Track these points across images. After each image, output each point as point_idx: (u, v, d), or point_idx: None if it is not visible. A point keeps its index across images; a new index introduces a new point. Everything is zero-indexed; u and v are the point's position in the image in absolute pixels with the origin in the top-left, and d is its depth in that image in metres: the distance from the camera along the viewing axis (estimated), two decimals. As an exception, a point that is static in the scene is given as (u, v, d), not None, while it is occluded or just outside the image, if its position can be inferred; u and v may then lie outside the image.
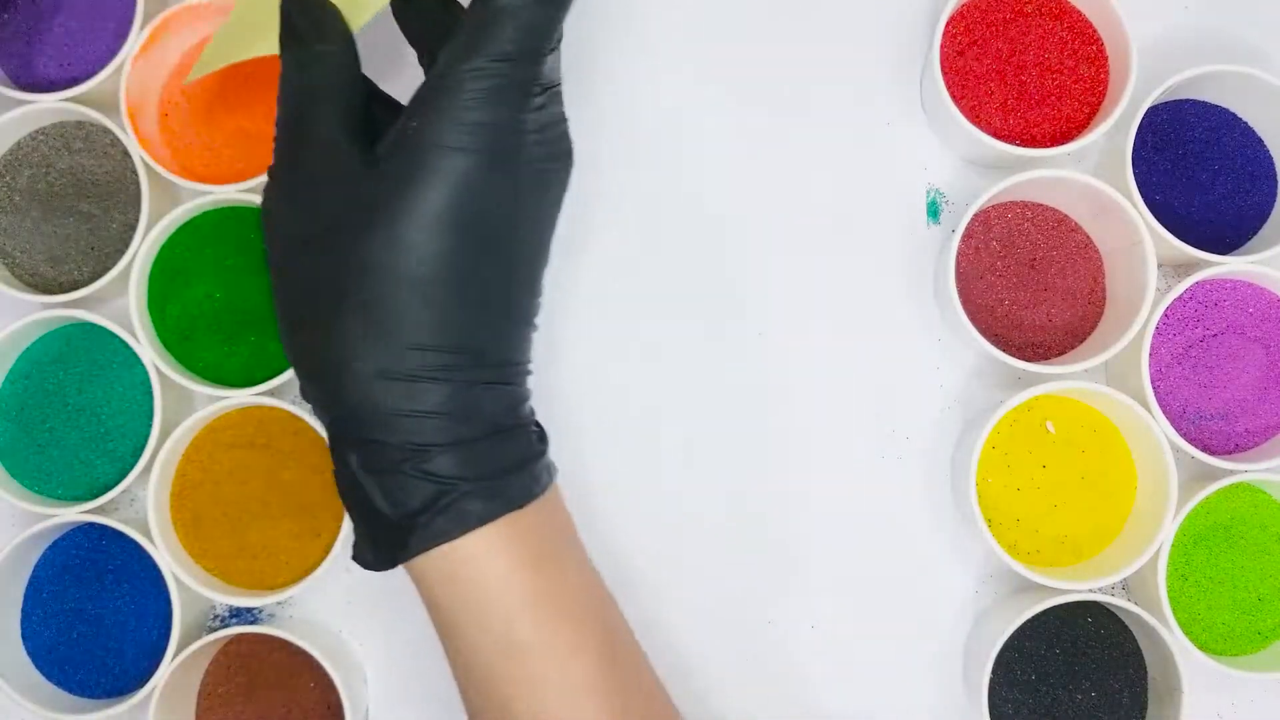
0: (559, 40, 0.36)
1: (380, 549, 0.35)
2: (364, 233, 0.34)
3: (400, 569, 0.36)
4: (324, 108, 0.35)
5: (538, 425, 0.38)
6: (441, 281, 0.34)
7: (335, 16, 0.36)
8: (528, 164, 0.35)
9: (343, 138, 0.35)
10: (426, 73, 0.36)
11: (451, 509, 0.34)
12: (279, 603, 0.48)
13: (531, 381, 0.38)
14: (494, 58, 0.34)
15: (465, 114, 0.34)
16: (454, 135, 0.33)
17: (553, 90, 0.36)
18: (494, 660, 0.35)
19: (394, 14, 0.39)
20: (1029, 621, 0.44)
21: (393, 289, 0.33)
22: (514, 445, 0.36)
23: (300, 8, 0.36)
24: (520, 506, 0.35)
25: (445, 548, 0.35)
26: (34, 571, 0.47)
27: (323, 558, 0.45)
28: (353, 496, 0.35)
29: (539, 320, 0.38)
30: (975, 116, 0.46)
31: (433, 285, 0.34)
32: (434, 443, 0.34)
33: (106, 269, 0.46)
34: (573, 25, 0.49)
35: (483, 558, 0.35)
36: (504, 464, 0.35)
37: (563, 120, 0.37)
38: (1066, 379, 0.45)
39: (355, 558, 0.36)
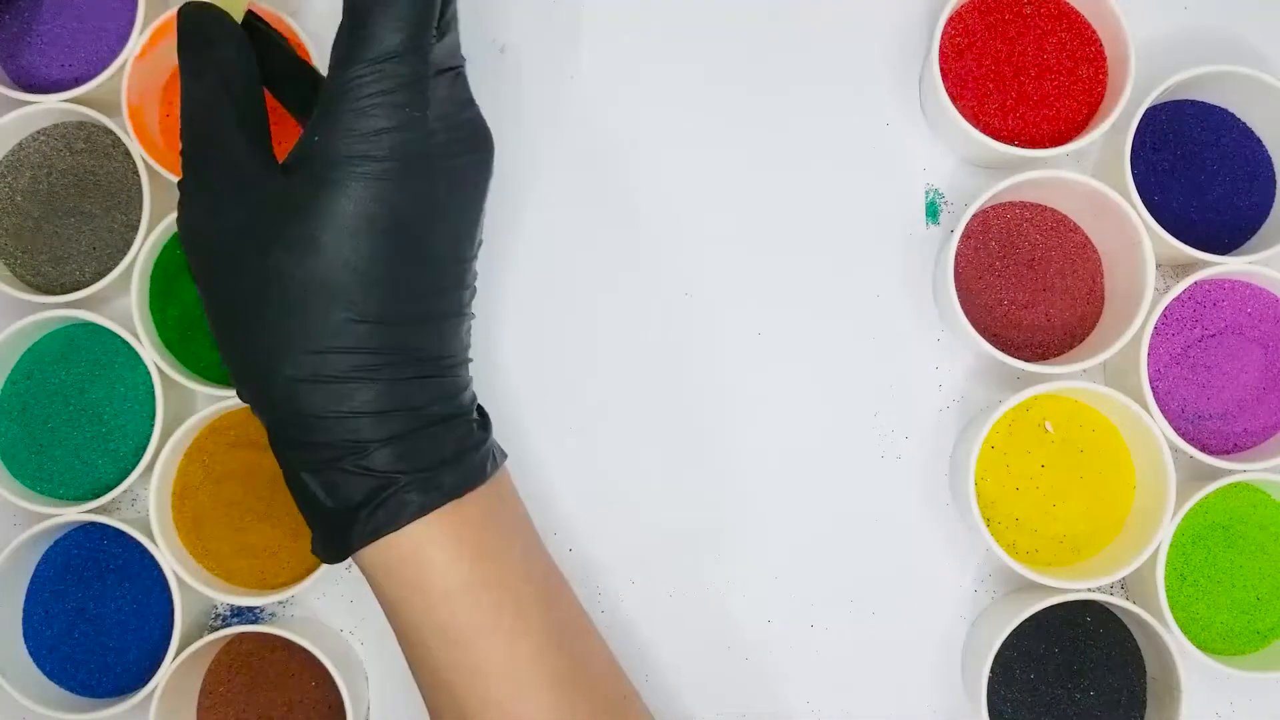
0: (451, 21, 0.36)
1: (327, 542, 0.36)
2: (275, 243, 0.34)
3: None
4: (223, 115, 0.35)
5: (480, 413, 0.38)
6: (358, 286, 0.34)
7: (220, 18, 0.36)
8: (438, 159, 0.35)
9: (245, 145, 0.35)
10: None
11: (390, 502, 0.34)
12: (280, 602, 0.48)
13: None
14: (376, 59, 0.34)
15: (360, 123, 0.33)
16: (353, 146, 0.33)
17: (451, 74, 0.36)
18: (439, 648, 0.35)
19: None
20: (1028, 621, 0.45)
21: (309, 297, 0.34)
22: (452, 436, 0.36)
23: (186, 15, 0.36)
24: (459, 496, 0.35)
25: (387, 539, 0.35)
26: (36, 571, 0.48)
27: (323, 557, 0.46)
28: (298, 493, 0.36)
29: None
30: (974, 117, 0.47)
31: (350, 290, 0.34)
32: (368, 439, 0.34)
33: (108, 269, 0.46)
34: (575, 26, 0.50)
35: (424, 548, 0.35)
36: (442, 455, 0.35)
37: (470, 106, 0.37)
38: (1065, 379, 0.45)
39: (313, 550, 0.37)
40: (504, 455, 0.39)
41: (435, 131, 0.35)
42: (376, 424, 0.34)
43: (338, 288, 0.34)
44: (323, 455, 0.35)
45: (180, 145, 0.36)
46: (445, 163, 0.35)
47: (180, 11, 0.36)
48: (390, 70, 0.34)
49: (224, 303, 0.35)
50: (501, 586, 0.36)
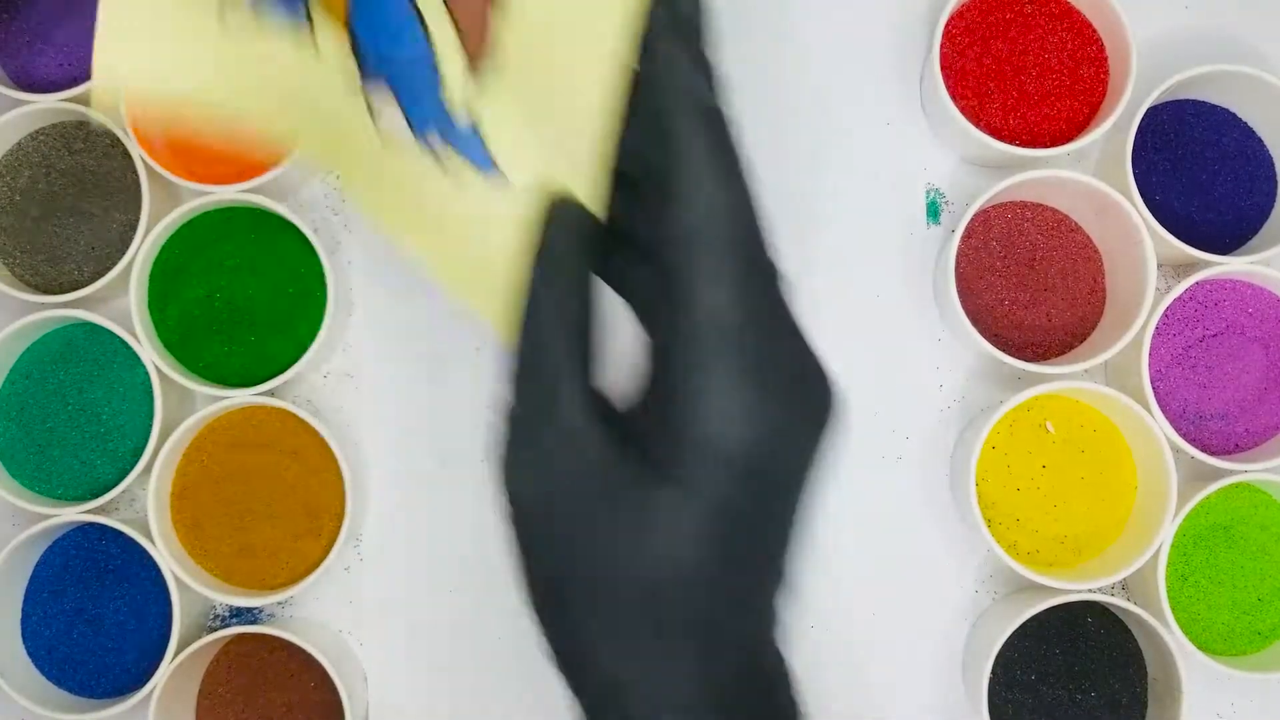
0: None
1: None
2: (607, 535, 0.29)
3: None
4: (566, 355, 0.31)
5: (784, 678, 0.34)
6: (697, 585, 0.30)
7: (587, 224, 0.31)
8: (786, 442, 0.30)
9: (581, 401, 0.31)
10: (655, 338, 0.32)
11: None
12: (279, 603, 0.48)
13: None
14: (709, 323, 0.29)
15: (710, 413, 0.29)
16: (705, 441, 0.29)
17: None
18: None
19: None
20: (1029, 621, 0.44)
21: (634, 593, 0.30)
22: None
23: (551, 214, 0.31)
24: None
25: None
26: (34, 571, 0.48)
27: (323, 558, 0.46)
28: None
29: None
30: (975, 117, 0.46)
31: (676, 588, 0.29)
32: None
33: (107, 269, 0.46)
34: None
35: None
36: None
37: (807, 354, 0.32)
38: (1066, 379, 0.45)
39: None
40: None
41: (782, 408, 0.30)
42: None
43: (666, 586, 0.29)
44: None
45: (513, 365, 0.31)
46: (792, 446, 0.31)
47: (548, 208, 0.31)
48: (729, 338, 0.29)
49: (540, 567, 0.31)
50: None
